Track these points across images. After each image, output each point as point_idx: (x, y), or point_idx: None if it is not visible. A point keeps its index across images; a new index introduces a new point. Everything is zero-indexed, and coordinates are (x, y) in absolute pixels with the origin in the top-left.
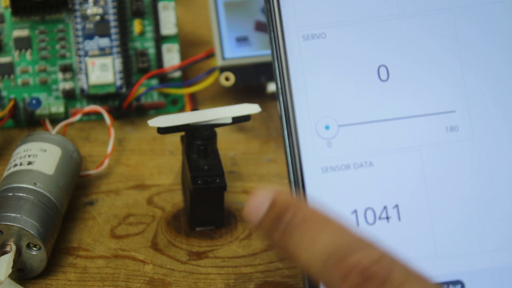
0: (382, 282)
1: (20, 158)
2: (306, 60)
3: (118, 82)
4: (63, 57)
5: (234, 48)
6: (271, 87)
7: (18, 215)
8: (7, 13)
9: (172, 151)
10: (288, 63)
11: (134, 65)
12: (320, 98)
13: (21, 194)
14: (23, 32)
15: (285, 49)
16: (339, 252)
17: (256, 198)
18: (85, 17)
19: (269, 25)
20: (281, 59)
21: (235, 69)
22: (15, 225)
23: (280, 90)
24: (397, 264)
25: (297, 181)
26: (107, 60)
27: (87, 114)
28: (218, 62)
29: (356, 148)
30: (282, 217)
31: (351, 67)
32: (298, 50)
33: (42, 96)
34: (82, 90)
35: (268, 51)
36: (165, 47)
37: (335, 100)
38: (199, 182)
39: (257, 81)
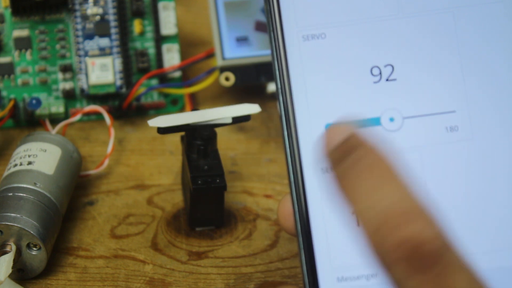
0: (432, 264)
1: (20, 158)
2: (306, 60)
3: (118, 82)
4: (63, 57)
5: (234, 48)
6: (271, 87)
7: (18, 215)
8: (7, 13)
9: (172, 151)
10: (288, 64)
11: (134, 65)
12: (320, 98)
13: (21, 194)
14: (23, 32)
15: (285, 50)
16: (396, 219)
17: (334, 130)
18: (85, 17)
19: (269, 25)
20: (281, 59)
21: (235, 69)
22: (15, 225)
23: (280, 91)
24: (450, 249)
25: (297, 181)
26: (107, 60)
27: (87, 114)
28: (218, 62)
29: None
30: (352, 152)
31: (351, 67)
32: (298, 51)
33: (42, 96)
34: (82, 90)
35: (268, 51)
36: (165, 47)
37: (335, 100)
38: (199, 182)
39: (257, 81)
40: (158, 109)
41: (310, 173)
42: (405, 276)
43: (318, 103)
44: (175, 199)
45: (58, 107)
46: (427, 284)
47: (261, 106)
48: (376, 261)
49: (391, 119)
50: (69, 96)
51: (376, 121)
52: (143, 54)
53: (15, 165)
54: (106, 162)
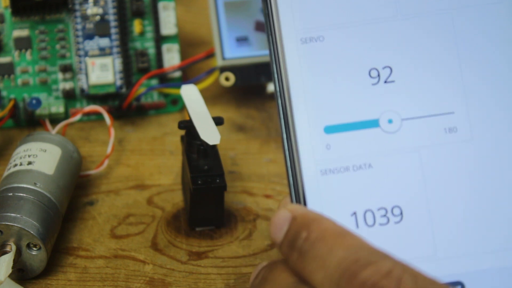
0: None
1: (20, 158)
2: (305, 63)
3: (118, 82)
4: (63, 57)
5: (234, 48)
6: (271, 87)
7: (18, 215)
8: (7, 13)
9: (172, 151)
10: (287, 66)
11: (134, 65)
12: (319, 100)
13: (21, 194)
14: (23, 32)
15: (283, 53)
16: (350, 269)
17: (275, 221)
18: (85, 17)
19: (267, 28)
20: (280, 62)
21: (235, 69)
22: (15, 225)
23: (278, 93)
24: (407, 273)
25: (296, 184)
26: (107, 60)
27: (87, 114)
28: (218, 62)
29: (355, 150)
30: (297, 239)
31: (349, 69)
32: (297, 53)
33: (42, 96)
34: (82, 90)
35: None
36: (165, 47)
37: (334, 103)
38: (199, 182)
39: (257, 81)
40: (158, 109)
41: (309, 175)
42: None
43: (317, 105)
44: (175, 199)
45: (58, 107)
46: None
47: (261, 106)
48: None
49: (390, 121)
50: (69, 96)
51: (374, 123)
52: (143, 54)
53: (15, 165)
54: (106, 162)
